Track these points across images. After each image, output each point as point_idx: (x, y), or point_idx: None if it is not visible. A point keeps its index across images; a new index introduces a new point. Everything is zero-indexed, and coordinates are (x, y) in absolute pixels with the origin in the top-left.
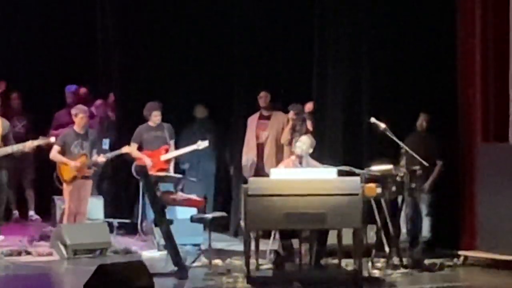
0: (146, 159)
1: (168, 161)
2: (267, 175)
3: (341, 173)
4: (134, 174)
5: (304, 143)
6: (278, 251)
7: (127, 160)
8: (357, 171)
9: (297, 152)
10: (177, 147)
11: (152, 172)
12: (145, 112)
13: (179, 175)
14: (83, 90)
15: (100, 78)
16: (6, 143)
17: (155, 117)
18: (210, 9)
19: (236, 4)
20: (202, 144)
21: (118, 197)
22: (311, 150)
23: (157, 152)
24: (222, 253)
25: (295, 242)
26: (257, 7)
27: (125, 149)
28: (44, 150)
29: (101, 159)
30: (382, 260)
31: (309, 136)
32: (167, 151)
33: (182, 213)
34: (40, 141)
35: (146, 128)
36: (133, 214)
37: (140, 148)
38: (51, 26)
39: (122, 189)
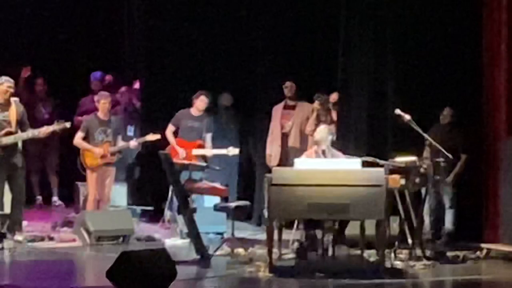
0: (179, 149)
1: (199, 157)
2: (291, 165)
3: (365, 164)
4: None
5: (320, 131)
6: (301, 241)
7: (153, 147)
8: (381, 162)
9: (316, 138)
10: None
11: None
12: (193, 97)
13: (204, 164)
14: (108, 77)
15: (125, 64)
16: (22, 128)
17: (201, 102)
18: None
19: None
20: (232, 151)
21: (144, 185)
22: (330, 137)
23: (190, 145)
24: (244, 242)
25: (318, 233)
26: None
27: (149, 137)
28: (68, 136)
29: (133, 143)
30: (405, 251)
31: (326, 126)
32: (200, 146)
33: (209, 202)
34: (55, 127)
35: (186, 114)
36: (158, 202)
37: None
38: (77, 12)
39: (148, 177)
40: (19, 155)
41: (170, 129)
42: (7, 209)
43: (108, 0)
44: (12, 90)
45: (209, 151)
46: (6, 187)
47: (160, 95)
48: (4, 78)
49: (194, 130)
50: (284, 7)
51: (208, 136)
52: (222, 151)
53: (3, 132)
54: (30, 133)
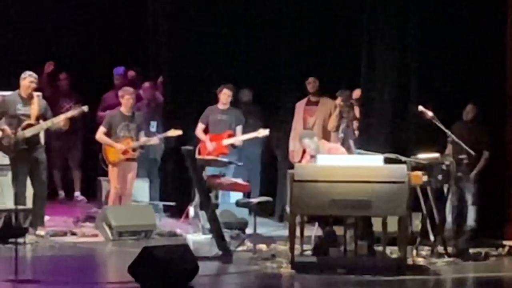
0: (208, 143)
1: (229, 146)
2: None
3: (387, 161)
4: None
5: (309, 146)
6: (322, 237)
7: (176, 142)
8: (403, 159)
9: (312, 153)
10: None
11: (210, 156)
12: (217, 91)
13: (225, 159)
14: (131, 73)
15: (149, 60)
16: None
17: (224, 95)
18: None
19: None
20: (263, 132)
21: (166, 180)
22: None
23: (220, 136)
24: (266, 238)
25: (340, 229)
26: None
27: (170, 132)
28: (91, 131)
29: (155, 140)
30: (427, 248)
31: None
32: (230, 136)
33: (235, 198)
34: (73, 112)
35: (213, 109)
36: (181, 197)
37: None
38: (100, 7)
39: (170, 172)
40: (41, 150)
41: (200, 127)
42: (29, 204)
43: None
44: (34, 85)
45: (239, 138)
46: (28, 182)
47: (183, 91)
48: (28, 72)
49: (222, 123)
50: (307, 2)
51: (239, 128)
52: (253, 134)
53: (23, 125)
54: (50, 122)
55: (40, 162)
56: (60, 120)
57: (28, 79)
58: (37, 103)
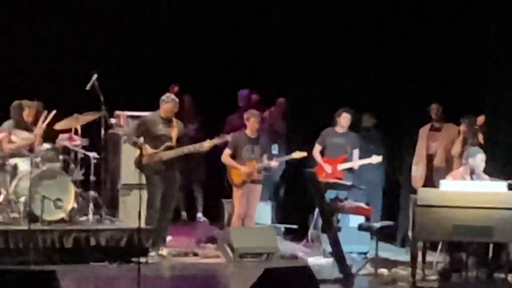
0: (325, 166)
1: (344, 171)
2: (436, 186)
3: (511, 187)
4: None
5: (482, 160)
6: (445, 263)
7: (301, 165)
8: None
9: (478, 171)
10: None
11: (326, 180)
12: (335, 115)
13: (348, 183)
14: (254, 96)
15: (271, 82)
16: (180, 145)
17: (343, 119)
18: (385, 17)
19: (410, 16)
20: (376, 159)
21: (288, 203)
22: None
23: (335, 161)
24: (388, 263)
25: (462, 255)
26: (430, 19)
27: (295, 154)
28: (214, 153)
29: (274, 163)
30: None
31: (482, 151)
32: (344, 160)
33: (354, 221)
34: (217, 140)
35: (330, 132)
36: (304, 220)
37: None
38: (225, 30)
39: (292, 195)
40: (177, 173)
41: (317, 148)
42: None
43: (256, 17)
44: (177, 107)
45: (355, 163)
46: None
47: (304, 113)
48: (168, 94)
49: (339, 146)
50: (430, 28)
51: (356, 152)
52: (367, 160)
53: (163, 146)
54: (192, 147)
55: (173, 184)
56: (203, 147)
57: (171, 100)
58: (177, 126)
